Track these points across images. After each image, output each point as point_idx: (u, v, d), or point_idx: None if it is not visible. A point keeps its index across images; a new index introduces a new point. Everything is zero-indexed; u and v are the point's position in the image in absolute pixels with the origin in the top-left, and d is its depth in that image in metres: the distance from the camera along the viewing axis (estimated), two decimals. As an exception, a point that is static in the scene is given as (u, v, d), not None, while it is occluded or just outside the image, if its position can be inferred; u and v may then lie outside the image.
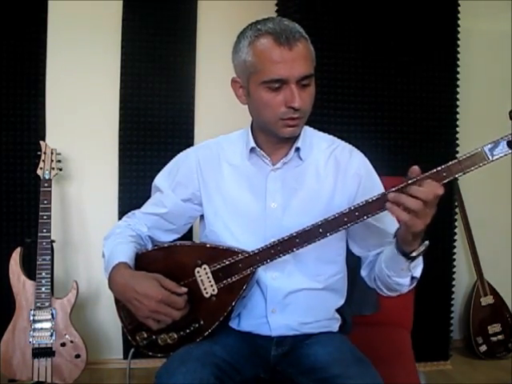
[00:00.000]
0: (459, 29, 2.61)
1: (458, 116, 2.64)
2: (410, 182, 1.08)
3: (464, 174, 1.08)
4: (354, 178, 1.33)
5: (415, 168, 1.08)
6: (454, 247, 2.72)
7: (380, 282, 1.31)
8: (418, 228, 1.09)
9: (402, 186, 1.08)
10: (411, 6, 2.51)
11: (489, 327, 2.80)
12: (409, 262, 1.18)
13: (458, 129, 2.64)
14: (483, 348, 2.79)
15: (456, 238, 2.73)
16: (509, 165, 2.90)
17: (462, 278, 2.92)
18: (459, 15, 2.60)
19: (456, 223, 2.74)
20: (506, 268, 2.96)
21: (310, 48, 1.23)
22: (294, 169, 1.34)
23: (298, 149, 1.32)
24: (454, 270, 2.73)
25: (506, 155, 1.07)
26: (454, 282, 2.73)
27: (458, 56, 2.63)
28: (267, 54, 1.18)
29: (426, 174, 1.08)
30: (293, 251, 1.20)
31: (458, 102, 2.65)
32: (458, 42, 2.62)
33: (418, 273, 1.24)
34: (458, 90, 2.64)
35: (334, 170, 1.34)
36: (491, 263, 2.90)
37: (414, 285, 1.28)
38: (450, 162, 1.08)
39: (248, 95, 1.26)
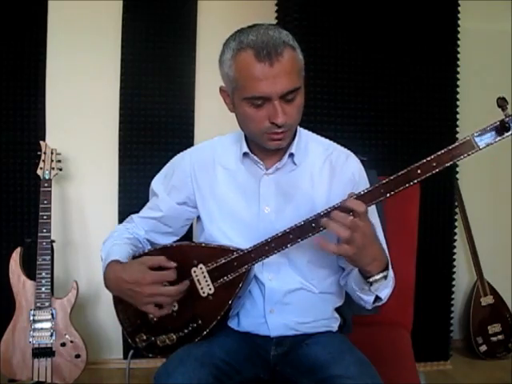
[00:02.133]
0: (459, 29, 2.61)
1: (457, 116, 2.64)
2: (337, 205, 1.12)
3: (454, 162, 1.09)
4: (349, 182, 1.33)
5: (351, 193, 1.12)
6: (454, 247, 2.71)
7: (349, 293, 1.33)
8: (346, 253, 1.10)
9: (329, 210, 1.13)
10: (411, 6, 2.51)
11: (489, 327, 2.81)
12: (368, 285, 1.19)
13: (457, 129, 2.64)
14: (483, 348, 2.79)
15: (456, 238, 2.73)
16: (509, 165, 2.90)
17: (462, 278, 2.92)
18: (459, 15, 2.60)
19: (456, 223, 2.74)
20: (506, 268, 2.96)
21: (297, 58, 1.18)
22: (288, 173, 1.33)
23: (291, 154, 1.32)
24: (454, 270, 2.72)
25: (495, 142, 1.08)
26: (453, 282, 2.73)
27: (458, 56, 2.63)
28: (248, 70, 1.14)
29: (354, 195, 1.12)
30: (287, 247, 1.20)
31: (457, 102, 2.65)
32: (458, 42, 2.62)
33: (383, 295, 1.24)
34: (458, 90, 2.64)
35: (328, 175, 1.34)
36: (491, 263, 2.90)
37: (379, 304, 1.28)
38: (440, 152, 1.09)
39: (234, 106, 1.25)
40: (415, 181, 1.11)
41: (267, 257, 1.22)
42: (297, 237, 1.18)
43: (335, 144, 1.41)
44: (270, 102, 1.16)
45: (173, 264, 1.24)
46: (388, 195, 1.12)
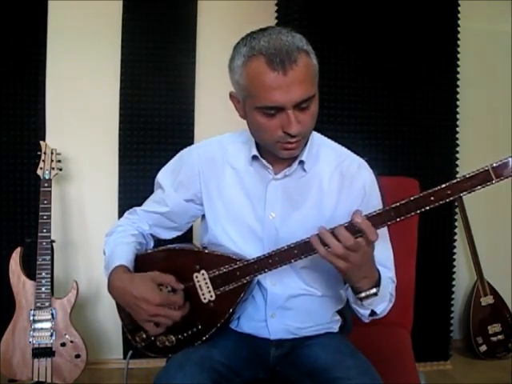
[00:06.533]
0: (459, 29, 2.61)
1: (457, 116, 2.64)
2: (345, 224, 1.08)
3: (469, 192, 1.04)
4: (359, 193, 1.29)
5: (357, 211, 1.08)
6: (454, 247, 2.72)
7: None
8: (338, 265, 1.10)
9: (334, 228, 1.09)
10: (411, 7, 2.51)
11: (489, 327, 2.80)
12: (359, 301, 1.19)
13: (457, 129, 2.64)
14: (483, 348, 2.79)
15: (456, 237, 2.73)
16: (509, 165, 2.90)
17: (462, 278, 2.92)
18: (459, 15, 2.60)
19: (456, 223, 2.74)
20: (506, 268, 2.96)
21: (312, 63, 1.12)
22: (297, 180, 1.29)
23: (302, 161, 1.27)
24: (454, 269, 2.73)
25: None
26: (453, 282, 2.73)
27: (458, 56, 2.63)
28: (260, 79, 1.09)
29: (369, 214, 1.08)
30: (290, 262, 1.17)
31: (457, 102, 2.65)
32: (458, 42, 2.62)
33: (379, 310, 1.24)
34: (458, 90, 2.64)
35: (338, 184, 1.29)
36: (491, 263, 2.90)
37: (376, 318, 1.27)
38: (455, 180, 1.04)
39: (245, 114, 1.20)
40: (427, 207, 1.07)
41: (270, 270, 1.19)
42: (301, 253, 1.15)
43: (349, 152, 1.36)
44: (283, 112, 1.11)
45: (181, 286, 1.23)
46: (398, 219, 1.09)
